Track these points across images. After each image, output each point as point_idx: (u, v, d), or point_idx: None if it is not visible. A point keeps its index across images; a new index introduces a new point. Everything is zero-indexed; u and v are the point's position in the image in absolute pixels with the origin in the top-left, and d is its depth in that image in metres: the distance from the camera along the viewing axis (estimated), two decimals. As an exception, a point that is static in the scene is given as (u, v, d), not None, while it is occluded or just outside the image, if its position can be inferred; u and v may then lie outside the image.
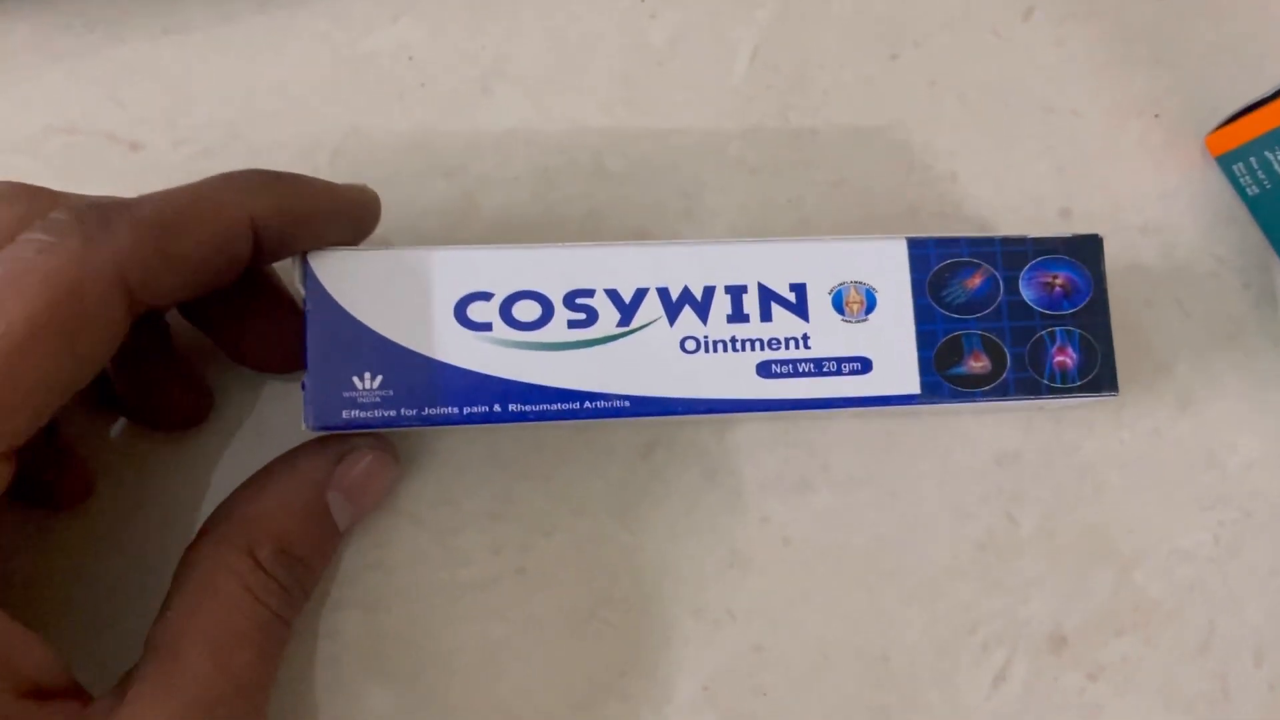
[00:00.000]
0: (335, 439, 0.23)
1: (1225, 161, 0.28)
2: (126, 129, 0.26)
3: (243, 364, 0.24)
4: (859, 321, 0.23)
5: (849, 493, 0.27)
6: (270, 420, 0.26)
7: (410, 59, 0.28)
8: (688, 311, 0.22)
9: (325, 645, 0.25)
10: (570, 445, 0.26)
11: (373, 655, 0.25)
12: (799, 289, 0.23)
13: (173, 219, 0.19)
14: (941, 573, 0.26)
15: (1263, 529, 0.27)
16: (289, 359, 0.23)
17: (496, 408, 0.22)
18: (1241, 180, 0.28)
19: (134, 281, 0.19)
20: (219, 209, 0.20)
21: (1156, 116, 0.29)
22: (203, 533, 0.22)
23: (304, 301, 0.21)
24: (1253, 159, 0.27)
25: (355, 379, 0.21)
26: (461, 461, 0.26)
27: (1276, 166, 0.27)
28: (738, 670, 0.26)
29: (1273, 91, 0.26)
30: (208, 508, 0.23)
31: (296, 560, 0.22)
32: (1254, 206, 0.28)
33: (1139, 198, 0.28)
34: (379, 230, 0.24)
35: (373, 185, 0.26)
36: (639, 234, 0.27)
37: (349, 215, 0.22)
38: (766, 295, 0.23)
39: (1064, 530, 0.27)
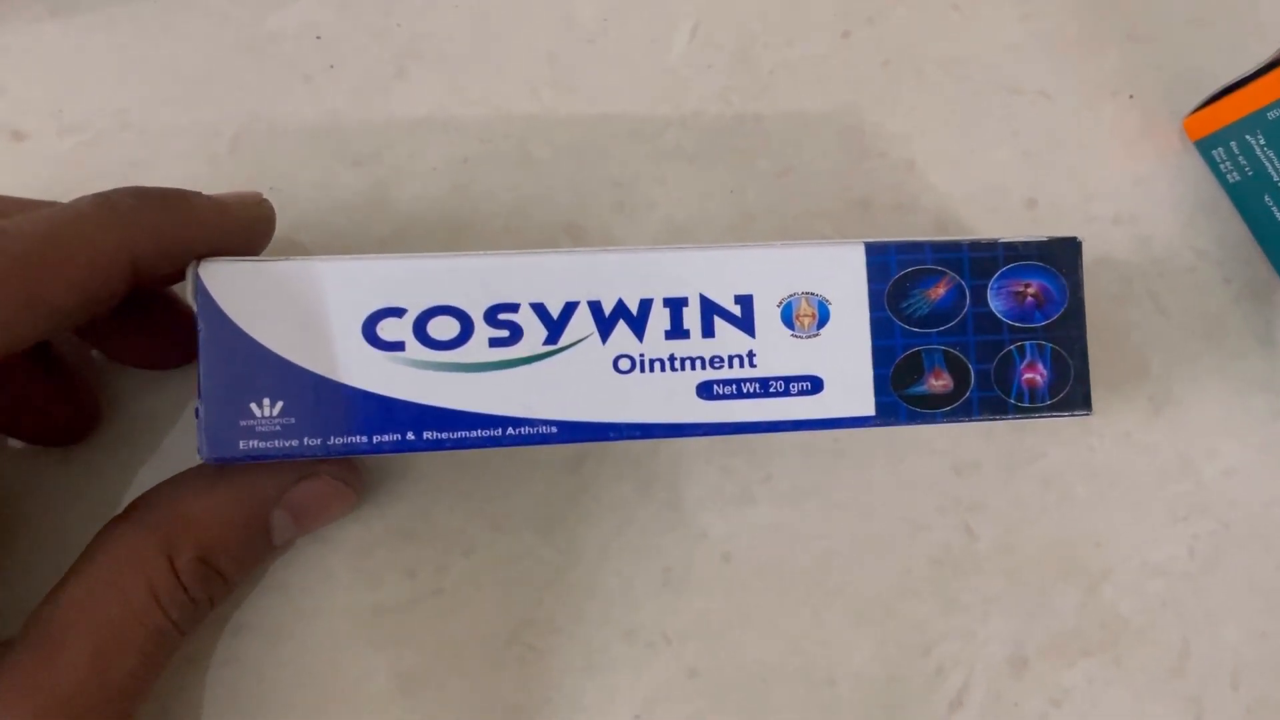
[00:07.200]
0: (303, 461, 0.22)
1: (1204, 146, 0.27)
2: (8, 117, 0.25)
3: (131, 365, 0.23)
4: (810, 337, 0.21)
5: (793, 505, 0.25)
6: (167, 431, 0.24)
7: (317, 39, 0.26)
8: (622, 327, 0.21)
9: (222, 673, 0.24)
10: (491, 457, 0.25)
11: (273, 685, 0.24)
12: (745, 301, 0.21)
13: (39, 262, 0.17)
14: (893, 590, 0.25)
15: (1241, 541, 0.26)
16: (183, 356, 0.22)
17: (410, 435, 0.20)
18: (1222, 166, 0.26)
19: None
20: (94, 250, 0.18)
21: (1131, 97, 0.27)
22: (127, 513, 0.20)
23: (195, 318, 0.20)
24: (1234, 143, 0.26)
25: (253, 405, 0.20)
26: (372, 476, 0.24)
27: (1259, 151, 0.25)
28: (672, 697, 0.25)
29: (1255, 70, 0.25)
30: (95, 525, 0.21)
31: (215, 573, 0.21)
32: (1235, 195, 0.27)
33: (1111, 186, 0.27)
34: (279, 227, 0.22)
35: (276, 177, 0.25)
36: (567, 228, 0.25)
37: (239, 234, 0.21)
38: (709, 308, 0.21)
39: (1026, 544, 0.26)
